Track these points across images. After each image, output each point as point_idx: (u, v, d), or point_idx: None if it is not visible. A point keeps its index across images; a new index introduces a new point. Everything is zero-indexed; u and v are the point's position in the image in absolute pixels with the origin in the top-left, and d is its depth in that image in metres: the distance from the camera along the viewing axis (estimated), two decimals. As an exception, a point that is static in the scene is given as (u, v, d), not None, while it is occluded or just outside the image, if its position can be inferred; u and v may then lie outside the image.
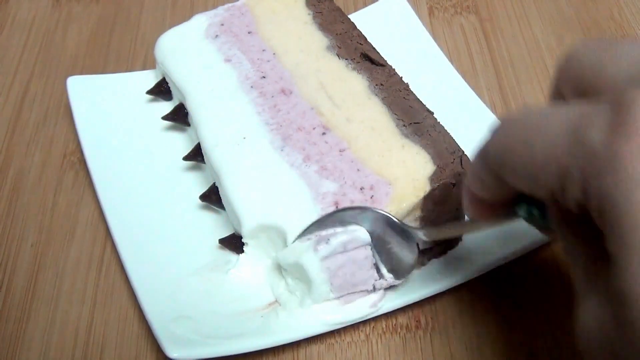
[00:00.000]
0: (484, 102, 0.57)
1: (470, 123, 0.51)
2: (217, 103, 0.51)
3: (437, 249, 0.47)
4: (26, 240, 0.53)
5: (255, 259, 0.47)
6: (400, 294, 0.46)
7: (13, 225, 0.54)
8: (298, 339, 0.45)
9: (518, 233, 0.46)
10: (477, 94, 0.57)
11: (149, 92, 0.58)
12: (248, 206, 0.45)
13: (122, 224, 0.50)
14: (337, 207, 0.43)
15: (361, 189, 0.44)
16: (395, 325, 0.47)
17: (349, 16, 0.59)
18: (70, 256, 0.50)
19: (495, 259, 0.47)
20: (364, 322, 0.47)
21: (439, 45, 0.61)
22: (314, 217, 0.43)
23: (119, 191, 0.52)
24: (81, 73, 0.65)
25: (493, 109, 0.59)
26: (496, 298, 0.48)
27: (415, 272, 0.46)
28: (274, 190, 0.45)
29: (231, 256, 0.48)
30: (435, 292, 0.46)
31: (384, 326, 0.47)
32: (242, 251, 0.47)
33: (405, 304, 0.46)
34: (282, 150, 0.47)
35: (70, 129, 0.60)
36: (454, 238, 0.48)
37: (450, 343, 0.46)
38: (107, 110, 0.57)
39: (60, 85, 0.64)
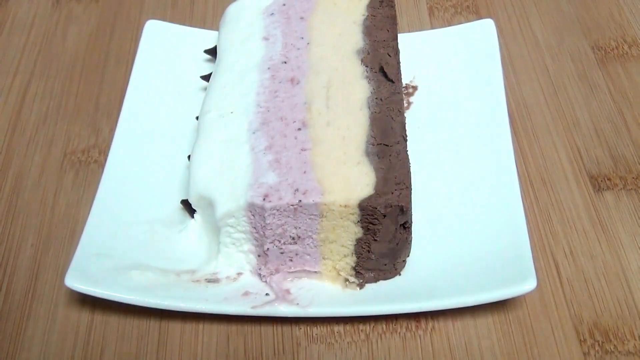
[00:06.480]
0: (514, 148, 0.53)
1: (486, 167, 0.52)
2: (232, 74, 0.53)
3: (368, 275, 0.48)
4: (26, 240, 0.53)
5: (203, 228, 0.49)
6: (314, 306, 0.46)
7: (13, 225, 0.54)
8: (210, 312, 0.46)
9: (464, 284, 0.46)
10: (512, 139, 0.53)
11: (206, 51, 0.62)
12: (198, 176, 0.47)
13: (121, 153, 0.54)
14: (264, 199, 0.44)
15: (296, 190, 0.44)
16: (395, 325, 0.47)
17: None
18: (70, 256, 0.50)
19: (427, 305, 0.45)
20: (364, 322, 0.47)
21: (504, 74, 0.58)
22: (242, 201, 0.44)
23: (136, 126, 0.56)
24: (81, 73, 0.65)
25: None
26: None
27: (349, 291, 0.48)
28: (225, 167, 0.47)
29: (189, 220, 0.50)
30: (348, 314, 0.46)
31: (384, 326, 0.47)
32: (193, 217, 0.50)
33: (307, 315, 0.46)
34: (253, 133, 0.48)
35: (70, 127, 0.60)
36: (387, 269, 0.48)
37: (450, 343, 0.46)
38: (165, 58, 0.62)
39: (60, 85, 0.64)
